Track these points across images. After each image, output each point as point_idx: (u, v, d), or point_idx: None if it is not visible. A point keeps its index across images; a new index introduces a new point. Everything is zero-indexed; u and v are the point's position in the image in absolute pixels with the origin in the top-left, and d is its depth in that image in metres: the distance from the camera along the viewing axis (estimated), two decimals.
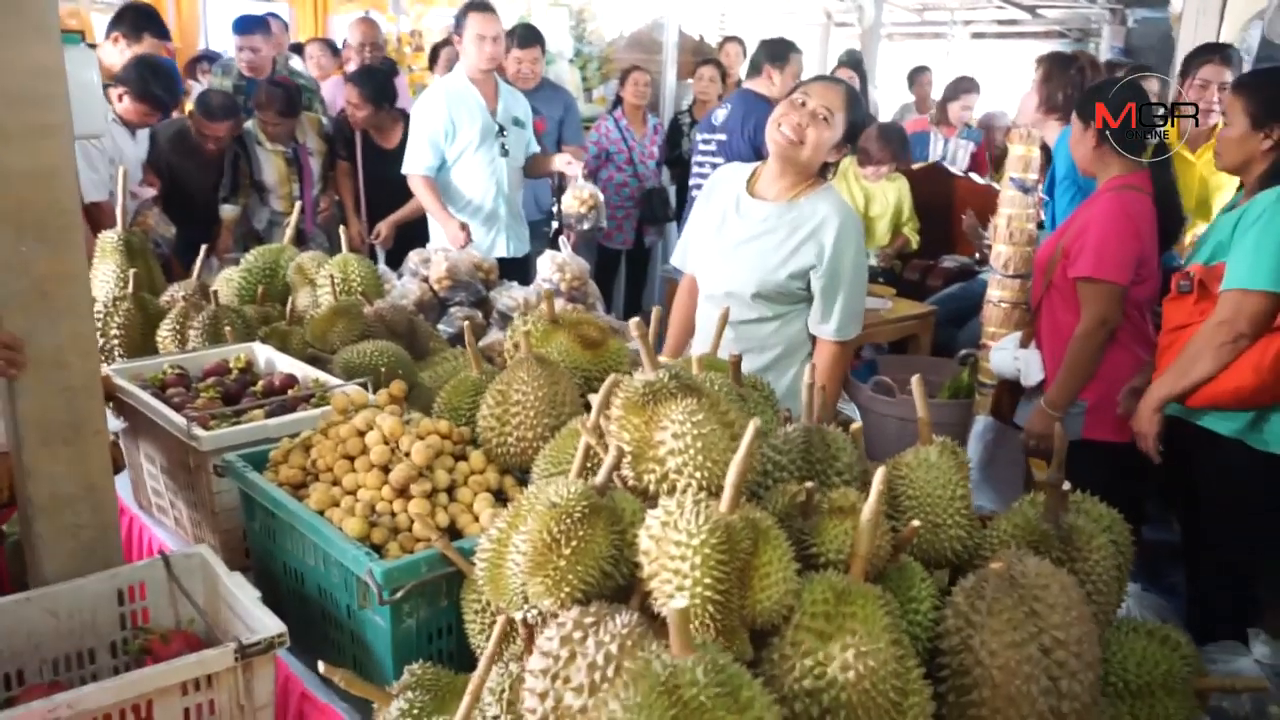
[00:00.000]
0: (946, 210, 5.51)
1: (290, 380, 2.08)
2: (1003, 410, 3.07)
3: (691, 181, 4.58)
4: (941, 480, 1.28)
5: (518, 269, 3.47)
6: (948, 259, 5.23)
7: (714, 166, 4.12)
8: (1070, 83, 3.40)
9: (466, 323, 1.75)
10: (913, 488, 1.29)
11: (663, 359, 1.33)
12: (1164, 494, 3.11)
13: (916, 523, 1.20)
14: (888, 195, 5.10)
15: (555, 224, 4.43)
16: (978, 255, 5.10)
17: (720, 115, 4.42)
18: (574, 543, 1.09)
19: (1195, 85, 3.42)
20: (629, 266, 5.99)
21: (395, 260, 3.92)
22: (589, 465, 1.24)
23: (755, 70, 4.38)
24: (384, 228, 4.49)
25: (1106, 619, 1.34)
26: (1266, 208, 2.35)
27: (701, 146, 4.55)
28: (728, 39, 6.75)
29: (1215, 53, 3.54)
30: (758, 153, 3.45)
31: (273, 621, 1.36)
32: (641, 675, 0.91)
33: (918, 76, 7.80)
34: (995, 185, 5.86)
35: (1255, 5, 4.52)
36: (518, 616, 1.16)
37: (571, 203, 3.86)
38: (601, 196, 3.91)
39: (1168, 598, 2.66)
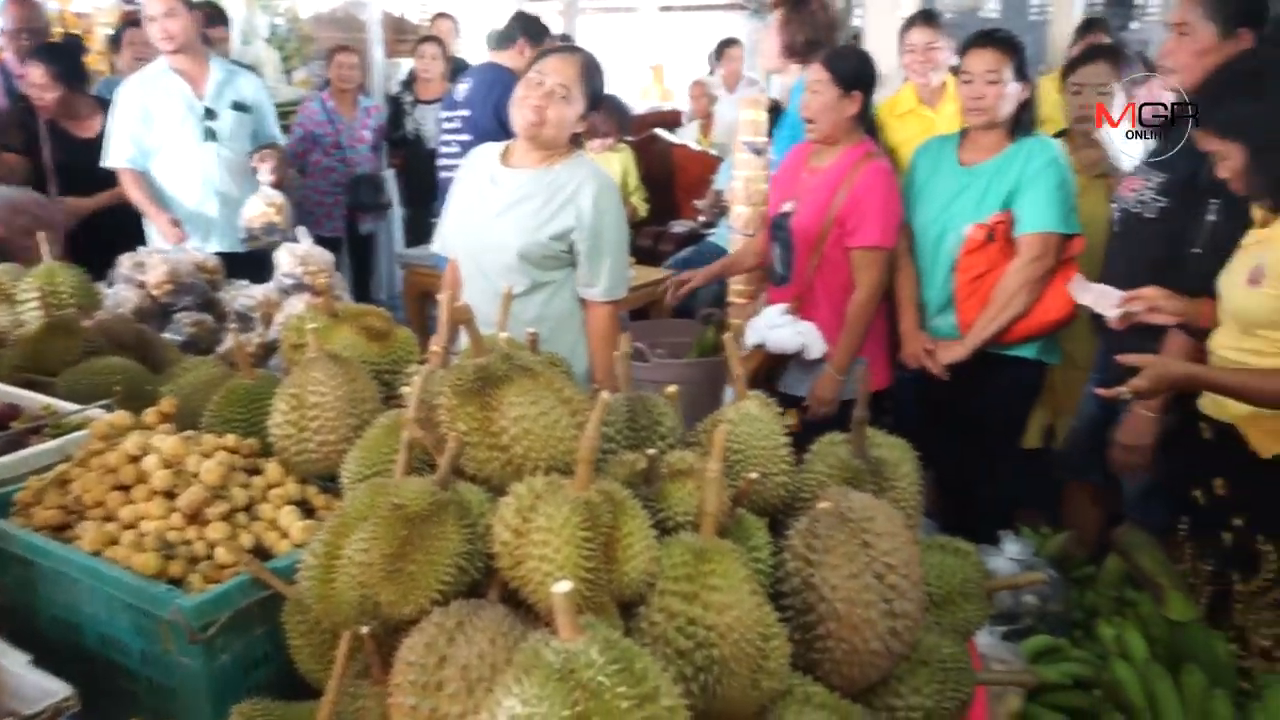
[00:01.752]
0: (669, 178, 5.71)
1: (11, 411, 1.82)
2: (758, 378, 3.14)
3: (440, 163, 4.42)
4: (765, 431, 1.32)
5: (252, 266, 3.22)
6: (676, 224, 5.42)
7: (461, 145, 4.02)
8: (807, 23, 3.55)
9: (233, 329, 1.60)
10: (739, 441, 1.32)
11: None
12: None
13: (754, 475, 1.22)
14: (613, 166, 5.20)
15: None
16: (702, 218, 5.33)
17: (462, 90, 4.28)
18: (426, 544, 1.03)
19: (915, 49, 3.70)
20: (351, 256, 5.74)
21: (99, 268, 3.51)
22: (414, 462, 1.17)
23: (508, 41, 4.27)
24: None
25: (916, 539, 1.45)
26: (1048, 160, 2.70)
27: (446, 125, 4.41)
28: (440, 15, 6.58)
29: (924, 20, 3.86)
30: (504, 126, 3.38)
31: (55, 684, 1.19)
32: (533, 666, 0.87)
33: (726, 50, 7.34)
34: (711, 151, 6.16)
35: None
36: (363, 631, 1.08)
37: (255, 211, 3.59)
38: (288, 205, 3.67)
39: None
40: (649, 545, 1.06)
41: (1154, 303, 2.19)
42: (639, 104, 8.94)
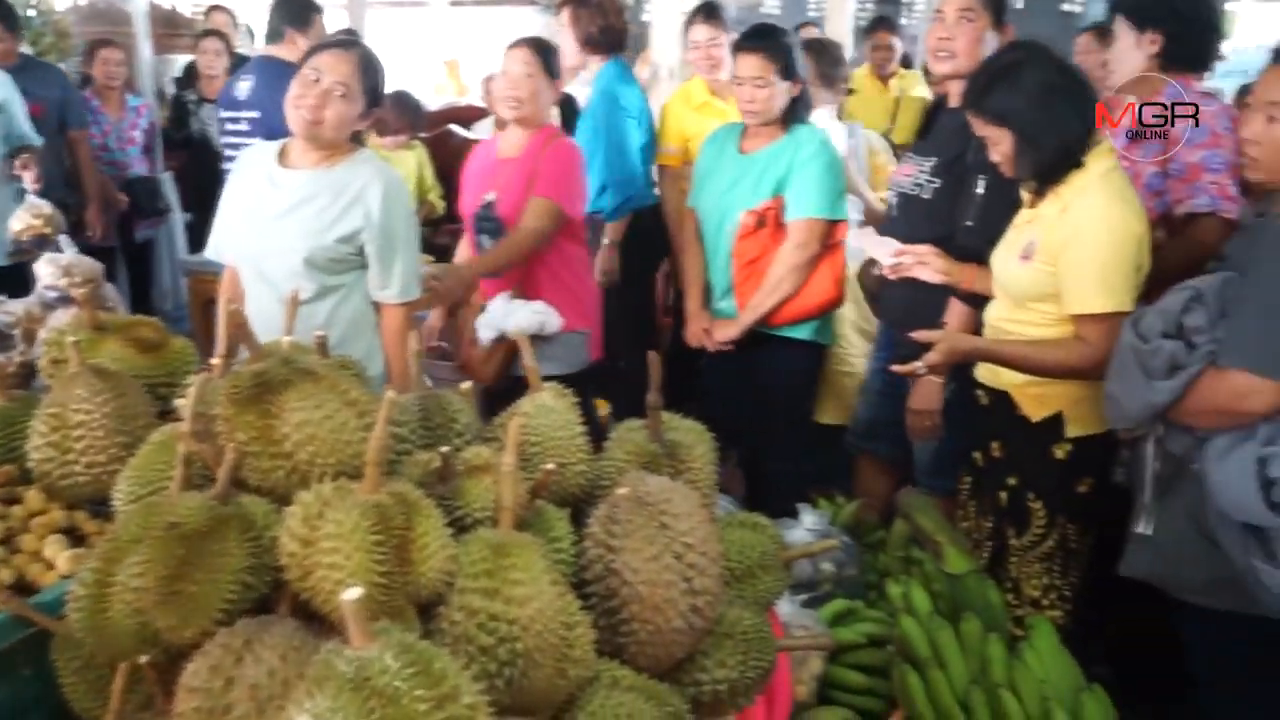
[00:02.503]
0: None
1: None
2: (505, 369, 3.02)
3: (226, 166, 4.16)
4: (561, 422, 1.33)
5: (11, 280, 2.96)
6: None
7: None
8: (597, 14, 3.57)
9: None
10: (535, 434, 1.32)
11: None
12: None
13: (551, 465, 1.23)
14: (408, 163, 5.08)
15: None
16: None
17: (244, 88, 4.01)
18: (206, 562, 0.98)
19: (698, 45, 3.77)
20: (129, 265, 5.36)
21: None
22: (193, 477, 1.11)
23: (276, 35, 4.00)
24: None
25: (713, 518, 1.49)
26: (815, 147, 2.82)
27: (230, 126, 4.14)
28: (215, 8, 6.22)
29: (705, 16, 3.96)
30: None
31: None
32: (326, 678, 0.85)
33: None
34: None
35: None
36: (142, 661, 1.01)
37: (22, 225, 3.30)
38: (58, 214, 3.40)
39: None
40: (445, 545, 1.05)
41: (924, 258, 2.34)
42: (434, 100, 8.77)
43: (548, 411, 1.33)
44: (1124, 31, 2.53)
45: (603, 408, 3.56)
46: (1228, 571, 1.79)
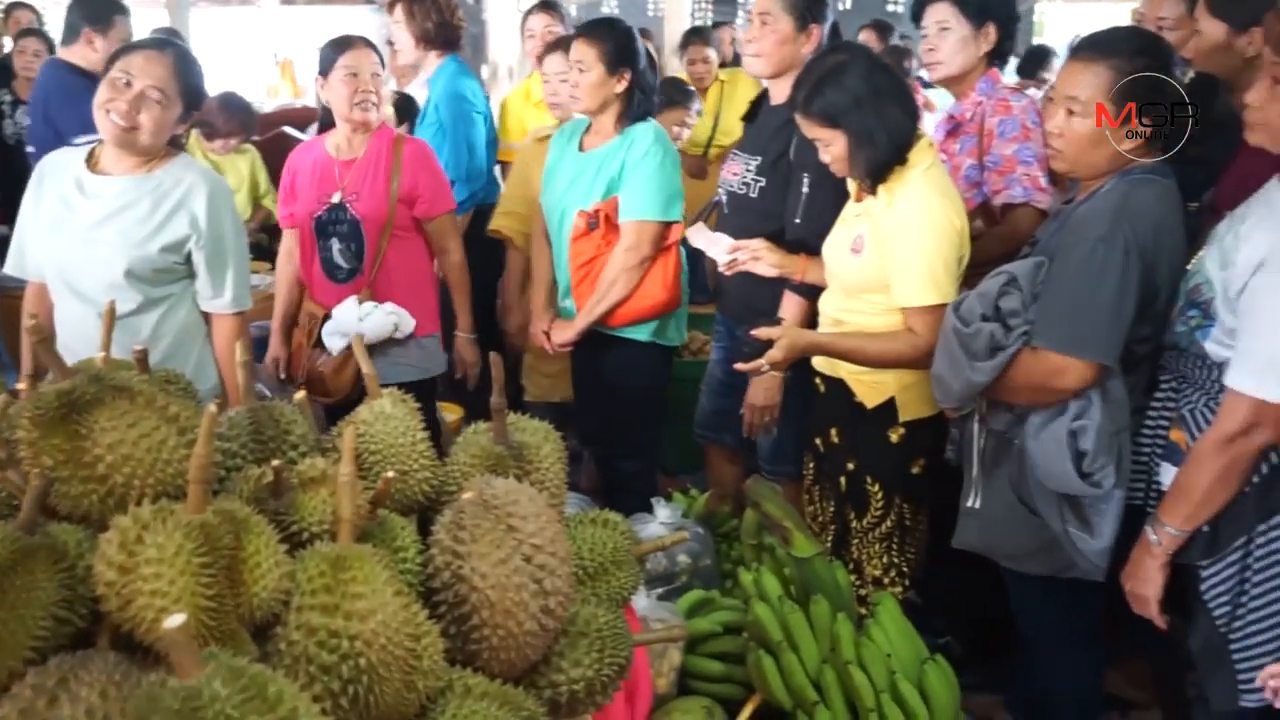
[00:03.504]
0: None
1: None
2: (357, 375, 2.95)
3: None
4: (401, 428, 1.30)
5: None
6: None
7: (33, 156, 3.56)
8: (431, 9, 3.50)
9: None
10: (375, 442, 1.28)
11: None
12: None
13: (390, 473, 1.20)
14: (240, 168, 4.88)
15: None
16: None
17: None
18: (12, 598, 0.91)
19: (534, 35, 3.75)
20: None
21: None
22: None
23: (72, 35, 3.70)
24: None
25: (562, 517, 1.49)
26: (649, 147, 2.76)
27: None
28: (16, 5, 5.79)
29: (542, 7, 3.96)
30: (59, 136, 3.06)
31: None
32: (150, 712, 0.80)
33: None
34: None
35: None
36: None
37: None
38: None
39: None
40: (279, 562, 1.00)
41: (757, 253, 2.39)
42: (267, 102, 8.45)
43: (387, 418, 1.30)
44: (957, 24, 2.61)
45: (454, 413, 3.50)
46: (1047, 538, 1.91)
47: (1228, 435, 1.66)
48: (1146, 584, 1.80)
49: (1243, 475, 1.69)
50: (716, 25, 5.62)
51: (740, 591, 2.13)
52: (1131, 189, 1.83)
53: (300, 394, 1.35)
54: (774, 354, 2.12)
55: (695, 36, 5.43)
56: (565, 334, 2.89)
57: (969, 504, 2.05)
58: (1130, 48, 1.86)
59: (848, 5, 11.98)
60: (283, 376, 3.10)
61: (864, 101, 2.10)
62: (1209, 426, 1.72)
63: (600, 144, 2.87)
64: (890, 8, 11.44)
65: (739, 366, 2.22)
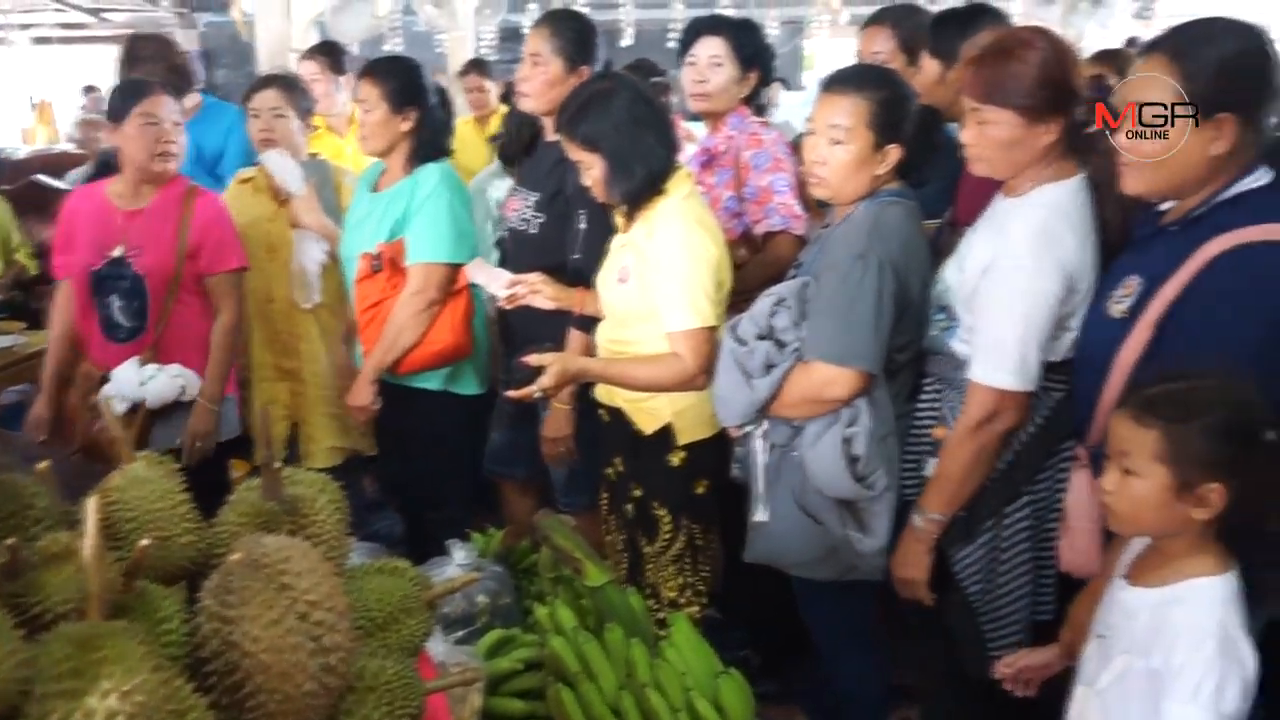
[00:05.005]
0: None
1: None
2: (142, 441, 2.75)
3: None
4: (159, 492, 1.24)
5: None
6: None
7: None
8: (163, 57, 3.38)
9: None
10: (129, 509, 1.22)
11: None
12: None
13: (145, 541, 1.13)
14: None
15: None
16: None
17: None
18: None
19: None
20: None
21: None
22: None
23: None
24: None
25: (342, 570, 1.45)
26: (435, 187, 2.70)
27: None
28: None
29: (312, 52, 3.86)
30: None
31: None
32: None
33: (94, 90, 6.71)
34: None
35: (318, 7, 5.02)
36: None
37: None
38: None
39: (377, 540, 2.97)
40: (14, 650, 0.94)
41: (535, 286, 2.42)
42: (22, 147, 7.86)
43: (142, 483, 1.23)
44: (729, 63, 2.77)
45: (242, 469, 3.34)
46: (830, 544, 2.02)
47: (974, 423, 1.82)
48: (914, 568, 1.93)
49: (992, 459, 1.85)
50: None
51: (540, 626, 2.13)
52: (881, 210, 1.98)
53: (43, 464, 1.26)
54: (544, 381, 2.15)
55: (474, 67, 5.50)
56: (360, 395, 2.76)
57: (756, 518, 2.13)
58: (877, 80, 2.03)
59: (630, 41, 12.36)
60: (42, 439, 2.86)
61: (624, 129, 2.17)
62: None
63: (390, 185, 2.82)
64: (670, 44, 11.89)
65: (509, 394, 2.24)
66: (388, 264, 2.74)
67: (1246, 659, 1.36)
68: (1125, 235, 1.81)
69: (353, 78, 3.58)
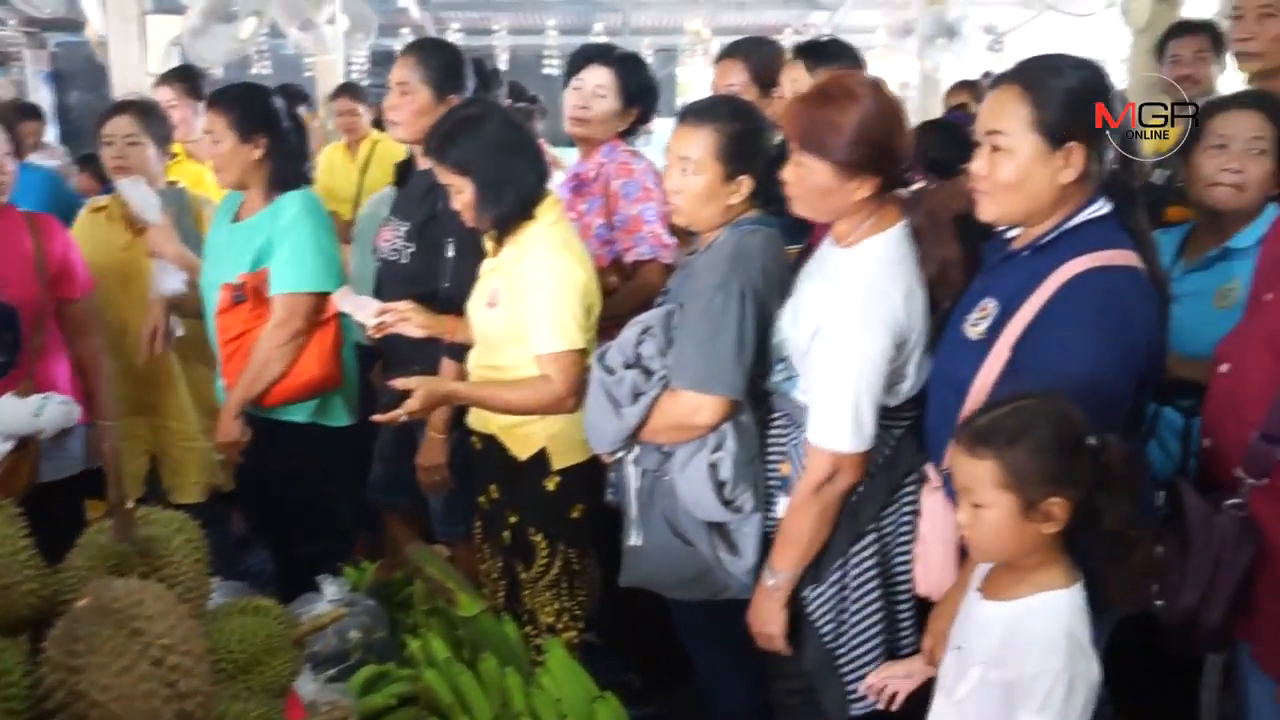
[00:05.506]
0: None
1: None
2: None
3: None
4: None
5: None
6: None
7: None
8: None
9: None
10: None
11: None
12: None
13: None
14: None
15: None
16: None
17: None
18: None
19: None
20: None
21: None
22: None
23: None
24: None
25: (201, 611, 1.41)
26: (296, 215, 2.64)
27: None
28: None
29: (167, 78, 3.75)
30: None
31: None
32: None
33: None
34: None
35: (176, 29, 4.86)
36: None
37: None
38: None
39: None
40: None
41: (404, 314, 2.39)
42: None
43: None
44: (613, 94, 2.83)
45: (98, 510, 3.18)
46: (702, 566, 2.05)
47: (814, 485, 1.84)
48: (769, 624, 1.94)
49: (836, 515, 1.88)
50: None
51: (414, 660, 2.10)
52: (741, 238, 2.03)
53: None
54: (410, 404, 2.13)
55: (345, 91, 5.46)
56: (226, 430, 2.67)
57: (631, 542, 2.16)
58: (729, 113, 2.07)
59: (505, 66, 12.39)
60: None
61: (493, 154, 2.18)
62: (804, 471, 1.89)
63: (250, 215, 2.75)
64: (546, 71, 11.97)
65: (375, 419, 2.21)
66: (251, 294, 2.67)
67: (1093, 667, 1.45)
68: (969, 269, 1.88)
69: None
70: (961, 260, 1.90)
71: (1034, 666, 1.43)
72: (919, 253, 1.86)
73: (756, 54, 2.92)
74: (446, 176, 2.24)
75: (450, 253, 2.52)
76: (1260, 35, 2.58)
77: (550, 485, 2.28)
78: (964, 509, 1.50)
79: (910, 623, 1.97)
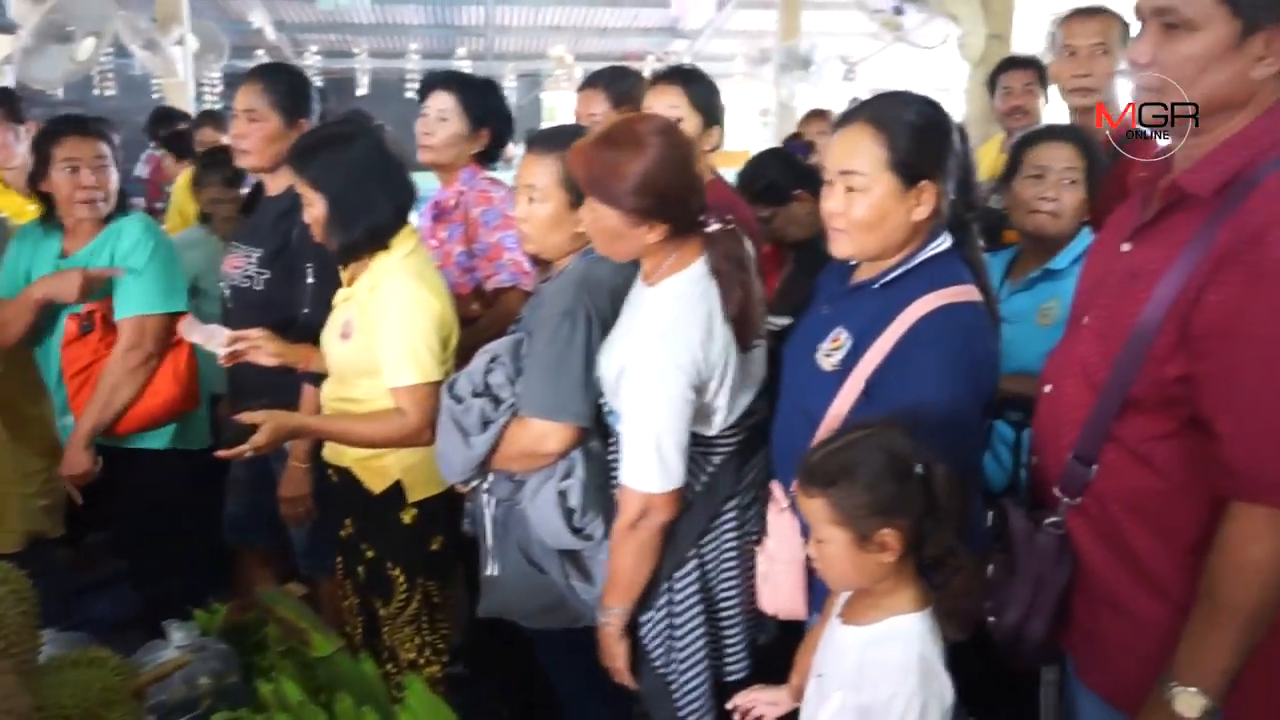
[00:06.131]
0: None
1: None
2: None
3: None
4: None
5: None
6: None
7: None
8: None
9: None
10: None
11: None
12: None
13: None
14: None
15: None
16: None
17: None
18: None
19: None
20: None
21: None
22: None
23: None
24: None
25: (29, 666, 1.34)
26: (139, 237, 2.65)
27: None
28: None
29: None
30: None
31: None
32: None
33: None
34: None
35: (5, 49, 4.62)
36: None
37: None
38: None
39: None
40: None
41: (256, 342, 2.32)
42: None
43: None
44: (455, 119, 2.81)
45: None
46: (558, 594, 2.05)
47: (629, 523, 1.85)
48: (612, 659, 1.96)
49: (656, 549, 1.89)
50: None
51: (267, 704, 2.03)
52: (590, 266, 2.03)
53: None
54: (257, 439, 2.08)
55: (208, 119, 5.42)
56: (75, 462, 2.56)
57: (488, 572, 2.14)
58: (572, 142, 2.02)
59: (366, 90, 12.19)
60: None
61: (353, 179, 2.16)
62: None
63: (83, 245, 2.68)
64: (409, 95, 11.83)
65: (219, 454, 2.13)
66: (100, 323, 2.60)
67: (945, 689, 1.50)
68: (796, 297, 1.91)
69: (34, 127, 3.33)
70: (765, 301, 1.92)
71: (888, 690, 1.47)
72: (721, 293, 1.85)
73: (618, 84, 2.96)
74: (302, 187, 2.19)
75: (310, 278, 2.47)
76: (1095, 72, 2.73)
77: (407, 518, 2.24)
78: (811, 544, 1.54)
79: (738, 648, 1.99)
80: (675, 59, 12.84)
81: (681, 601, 1.95)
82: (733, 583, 1.98)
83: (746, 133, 12.19)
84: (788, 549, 1.83)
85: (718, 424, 1.91)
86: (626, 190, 1.77)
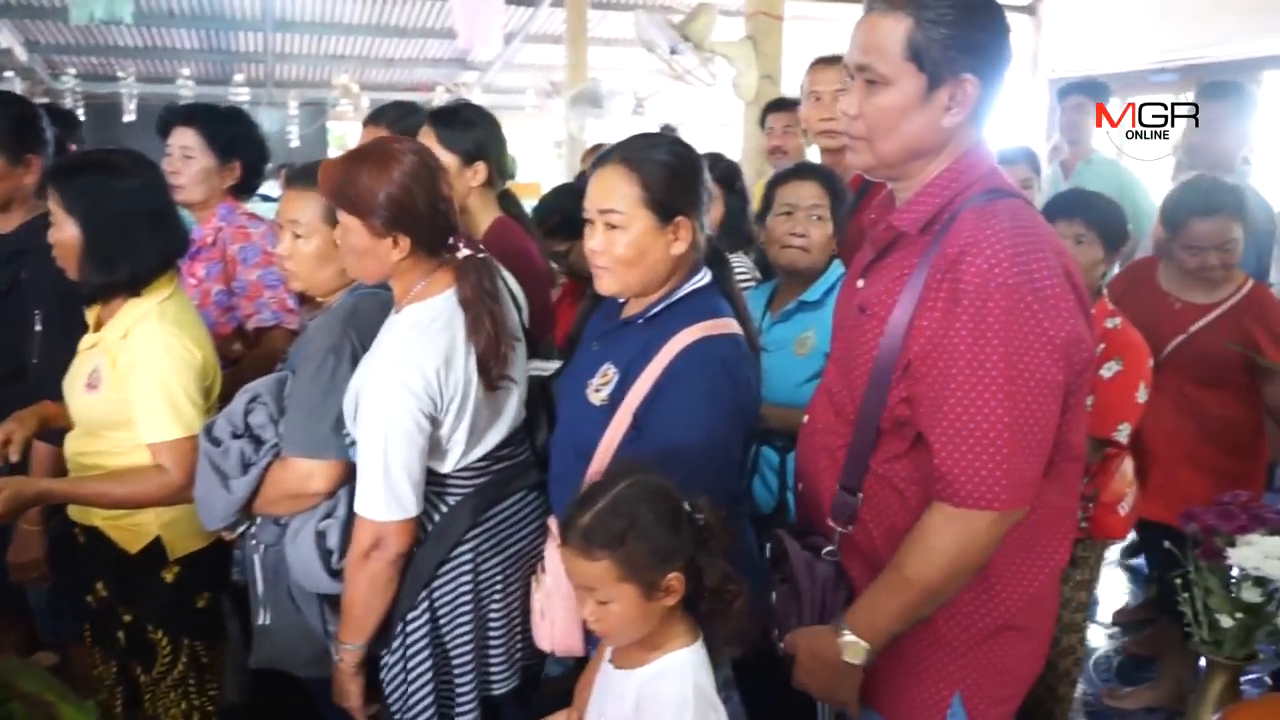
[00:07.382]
0: None
1: None
2: None
3: None
4: None
5: None
6: None
7: None
8: None
9: None
10: None
11: None
12: None
13: None
14: None
15: None
16: None
17: None
18: None
19: None
20: None
21: None
22: None
23: None
24: None
25: None
26: None
27: None
28: None
29: None
30: None
31: None
32: None
33: None
34: None
35: None
36: None
37: None
38: None
39: None
40: None
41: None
42: None
43: None
44: (201, 154, 2.71)
45: None
46: (325, 642, 1.96)
47: (361, 553, 1.82)
48: (346, 698, 1.91)
49: (391, 582, 1.86)
50: None
51: None
52: (357, 302, 2.00)
53: None
54: None
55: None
56: None
57: (260, 622, 2.04)
58: None
59: (133, 117, 11.47)
60: None
61: (116, 217, 2.01)
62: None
63: None
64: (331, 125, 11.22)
65: None
66: None
67: (721, 713, 1.54)
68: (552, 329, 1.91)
69: None
70: (510, 340, 1.92)
71: None
72: (467, 324, 1.85)
73: (401, 121, 2.92)
74: (55, 208, 2.03)
75: (38, 325, 2.29)
76: (838, 115, 2.90)
77: (169, 577, 2.11)
78: (589, 605, 1.52)
79: (468, 697, 1.94)
80: (465, 91, 12.78)
81: (414, 644, 1.90)
82: (465, 630, 1.93)
83: (540, 164, 12.27)
84: (564, 584, 1.79)
85: (452, 461, 1.89)
86: (368, 197, 1.77)
